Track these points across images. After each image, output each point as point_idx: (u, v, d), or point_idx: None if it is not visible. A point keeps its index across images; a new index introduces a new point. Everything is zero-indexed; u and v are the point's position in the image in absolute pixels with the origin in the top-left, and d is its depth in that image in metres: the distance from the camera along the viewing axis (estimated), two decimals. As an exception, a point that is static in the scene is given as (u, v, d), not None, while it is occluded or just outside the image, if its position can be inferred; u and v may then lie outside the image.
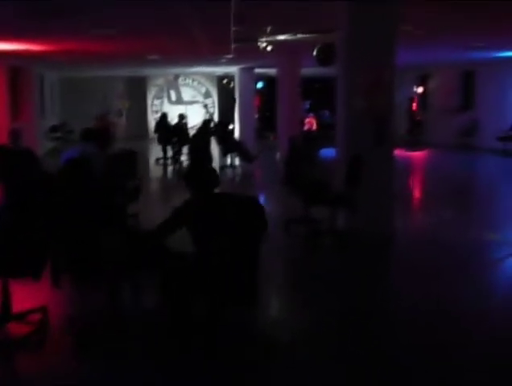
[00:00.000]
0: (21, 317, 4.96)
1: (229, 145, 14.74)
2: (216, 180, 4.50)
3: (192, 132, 25.92)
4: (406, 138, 20.79)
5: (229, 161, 15.08)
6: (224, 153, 15.05)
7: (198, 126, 14.95)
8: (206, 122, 15.46)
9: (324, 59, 9.89)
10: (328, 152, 12.20)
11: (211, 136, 14.08)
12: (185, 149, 16.46)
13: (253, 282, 4.29)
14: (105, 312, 4.95)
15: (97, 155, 8.35)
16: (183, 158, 16.51)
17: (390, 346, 4.61)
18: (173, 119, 19.56)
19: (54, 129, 20.91)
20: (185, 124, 17.80)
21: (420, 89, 22.99)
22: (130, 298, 5.14)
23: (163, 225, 4.48)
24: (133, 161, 5.05)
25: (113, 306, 4.87)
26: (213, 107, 26.86)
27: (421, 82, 23.13)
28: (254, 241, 4.28)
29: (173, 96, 27.09)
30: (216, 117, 23.60)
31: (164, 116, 17.73)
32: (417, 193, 12.67)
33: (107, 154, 9.04)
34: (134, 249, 4.65)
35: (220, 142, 15.26)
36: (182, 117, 17.81)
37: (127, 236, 4.76)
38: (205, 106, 16.44)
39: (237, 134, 22.18)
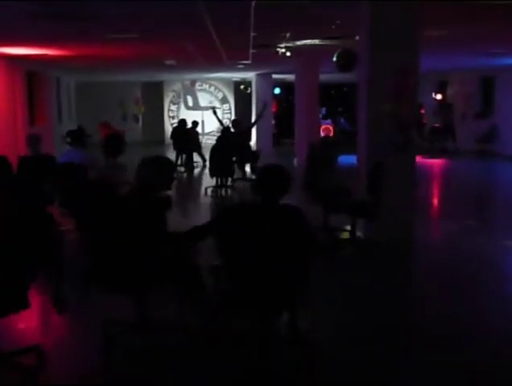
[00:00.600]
0: (8, 359, 4.16)
1: (246, 156, 13.91)
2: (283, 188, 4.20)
3: (207, 138, 26.17)
4: (425, 145, 20.60)
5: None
6: (240, 166, 13.89)
7: (217, 137, 13.64)
8: (225, 133, 13.81)
9: (345, 64, 9.76)
10: (345, 159, 12.09)
11: (231, 148, 12.89)
12: (196, 156, 16.73)
13: (294, 296, 4.18)
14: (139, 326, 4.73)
15: (94, 162, 8.28)
16: (194, 164, 16.64)
17: (408, 355, 4.48)
18: (189, 125, 19.46)
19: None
20: (196, 131, 17.67)
21: (439, 96, 22.78)
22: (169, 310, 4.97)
23: (202, 227, 4.37)
24: (166, 168, 4.87)
25: (145, 320, 4.70)
26: (230, 112, 26.82)
27: (440, 88, 22.93)
28: (296, 253, 4.11)
29: (190, 102, 27.07)
30: (228, 121, 23.23)
31: (183, 122, 17.52)
32: (437, 200, 12.49)
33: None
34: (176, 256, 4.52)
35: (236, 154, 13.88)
36: (195, 123, 17.67)
37: (171, 243, 4.59)
38: (214, 112, 14.99)
39: (253, 140, 22.09)
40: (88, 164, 8.00)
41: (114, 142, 16.35)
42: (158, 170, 4.65)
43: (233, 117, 24.38)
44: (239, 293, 4.10)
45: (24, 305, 4.02)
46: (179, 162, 16.42)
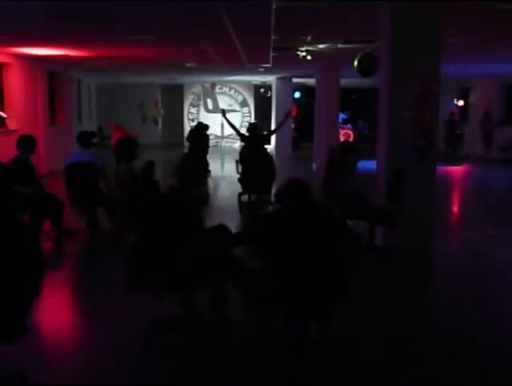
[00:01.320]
0: None
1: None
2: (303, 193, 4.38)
3: (226, 140, 26.16)
4: (445, 152, 20.39)
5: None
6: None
7: (250, 147, 11.59)
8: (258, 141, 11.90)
9: (366, 69, 9.66)
10: (364, 164, 11.97)
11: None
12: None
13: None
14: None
15: (100, 161, 8.36)
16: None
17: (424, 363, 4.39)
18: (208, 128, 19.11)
19: (91, 134, 20.89)
20: (206, 135, 17.15)
21: (461, 102, 22.57)
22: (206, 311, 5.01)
23: (249, 232, 4.53)
24: (201, 167, 5.08)
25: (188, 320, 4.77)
26: (249, 116, 26.78)
27: (461, 95, 22.72)
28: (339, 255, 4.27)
29: (210, 105, 27.09)
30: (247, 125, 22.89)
31: (198, 125, 17.18)
32: (457, 209, 12.33)
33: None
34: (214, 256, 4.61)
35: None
36: (206, 127, 17.32)
37: (207, 242, 4.69)
38: (224, 114, 12.49)
39: (272, 144, 22.04)
40: (94, 163, 8.15)
41: (126, 146, 15.36)
42: (191, 168, 4.92)
43: (252, 121, 24.29)
44: (284, 295, 4.18)
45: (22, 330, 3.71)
46: None
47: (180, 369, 4.31)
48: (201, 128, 16.95)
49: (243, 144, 12.08)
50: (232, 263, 4.69)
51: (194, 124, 20.89)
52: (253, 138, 11.89)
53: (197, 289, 4.68)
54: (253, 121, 23.93)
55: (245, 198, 11.27)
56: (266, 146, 12.27)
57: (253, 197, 11.23)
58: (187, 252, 4.47)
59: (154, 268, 4.53)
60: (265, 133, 13.37)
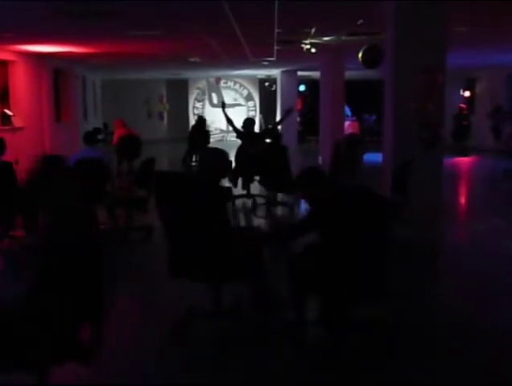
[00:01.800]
0: None
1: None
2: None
3: (231, 135, 26.10)
4: (452, 144, 20.31)
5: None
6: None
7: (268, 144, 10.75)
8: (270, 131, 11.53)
9: (371, 61, 9.63)
10: (370, 157, 11.93)
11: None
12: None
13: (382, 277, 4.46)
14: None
15: (106, 156, 8.46)
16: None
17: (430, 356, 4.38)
18: (214, 122, 18.95)
19: (96, 131, 20.86)
20: (203, 130, 16.62)
21: (467, 93, 22.45)
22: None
23: (300, 226, 4.60)
24: (225, 160, 5.17)
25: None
26: (255, 110, 26.74)
27: (467, 86, 22.60)
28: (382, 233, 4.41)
29: (214, 99, 27.06)
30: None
31: (200, 119, 16.89)
32: (464, 200, 12.28)
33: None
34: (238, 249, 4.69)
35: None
36: (205, 121, 16.85)
37: (233, 235, 4.76)
38: (223, 106, 12.30)
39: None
40: (102, 159, 8.31)
41: (128, 145, 14.39)
42: (216, 160, 4.93)
43: (250, 116, 24.12)
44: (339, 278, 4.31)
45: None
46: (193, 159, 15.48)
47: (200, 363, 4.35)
48: (202, 122, 16.59)
49: (240, 141, 11.46)
50: (260, 262, 4.78)
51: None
52: (250, 135, 11.23)
53: (229, 280, 4.79)
54: (253, 116, 23.83)
55: (240, 201, 10.86)
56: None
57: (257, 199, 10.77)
58: (222, 245, 4.55)
59: (187, 258, 4.64)
60: (269, 126, 13.22)
